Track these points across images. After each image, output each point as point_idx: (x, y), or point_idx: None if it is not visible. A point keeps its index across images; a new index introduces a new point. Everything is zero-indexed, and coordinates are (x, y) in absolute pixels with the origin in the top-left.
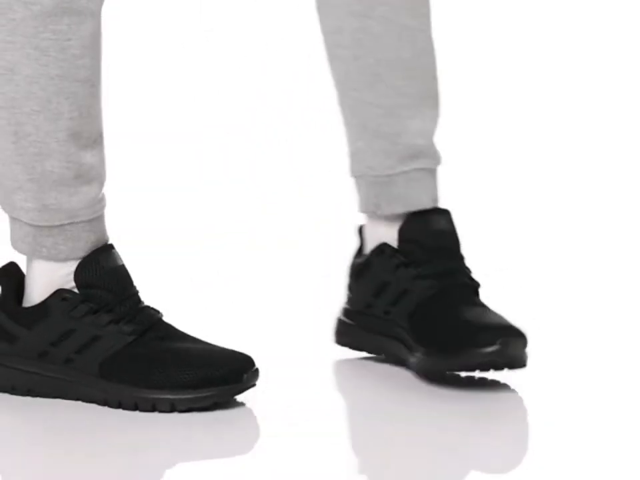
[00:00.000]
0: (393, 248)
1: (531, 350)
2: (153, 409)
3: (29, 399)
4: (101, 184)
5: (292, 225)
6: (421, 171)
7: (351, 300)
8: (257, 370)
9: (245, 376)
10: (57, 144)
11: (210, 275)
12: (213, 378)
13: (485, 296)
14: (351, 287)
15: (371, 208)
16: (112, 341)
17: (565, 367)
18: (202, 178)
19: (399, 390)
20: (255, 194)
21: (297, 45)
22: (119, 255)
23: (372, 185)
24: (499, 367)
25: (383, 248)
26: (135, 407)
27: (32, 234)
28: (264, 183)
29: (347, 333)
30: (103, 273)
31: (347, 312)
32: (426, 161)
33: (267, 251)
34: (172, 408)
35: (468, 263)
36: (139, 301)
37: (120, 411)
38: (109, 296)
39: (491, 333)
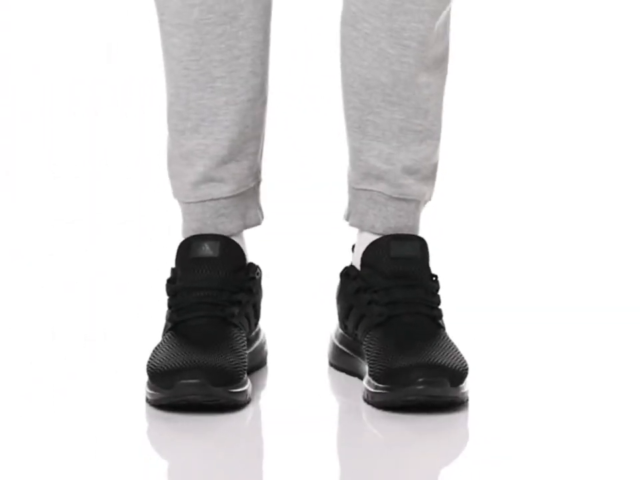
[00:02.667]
0: (357, 271)
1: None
2: None
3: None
4: None
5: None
6: (382, 195)
7: (338, 319)
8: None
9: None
10: None
11: None
12: None
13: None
14: (336, 307)
15: (345, 215)
16: None
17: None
18: None
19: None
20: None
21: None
22: None
23: (349, 193)
24: (425, 406)
25: (348, 270)
26: None
27: None
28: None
29: (334, 355)
30: None
31: (335, 332)
32: (386, 187)
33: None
34: None
35: (439, 290)
36: None
37: (120, 406)
38: None
39: (413, 373)
